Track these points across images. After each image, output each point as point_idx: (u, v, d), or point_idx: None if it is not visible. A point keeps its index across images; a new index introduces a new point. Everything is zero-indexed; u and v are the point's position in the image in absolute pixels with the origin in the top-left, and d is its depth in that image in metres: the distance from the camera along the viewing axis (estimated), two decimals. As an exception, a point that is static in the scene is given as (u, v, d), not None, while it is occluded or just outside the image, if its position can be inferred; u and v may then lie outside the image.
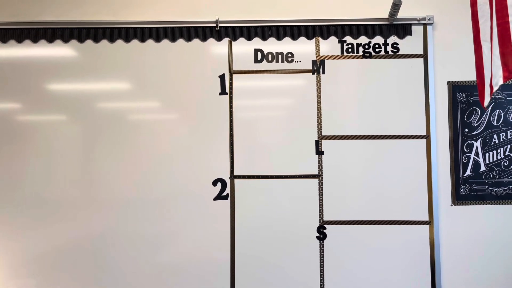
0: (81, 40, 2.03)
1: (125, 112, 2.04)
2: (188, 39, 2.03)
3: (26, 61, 2.04)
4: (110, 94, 2.05)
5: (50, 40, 2.03)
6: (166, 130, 2.03)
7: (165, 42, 2.03)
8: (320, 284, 1.98)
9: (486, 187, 2.00)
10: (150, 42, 2.03)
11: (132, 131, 2.03)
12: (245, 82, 2.03)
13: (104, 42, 2.03)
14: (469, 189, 2.00)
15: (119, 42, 2.03)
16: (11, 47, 2.04)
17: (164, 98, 2.03)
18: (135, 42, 2.03)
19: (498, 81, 1.28)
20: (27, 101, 2.04)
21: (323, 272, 1.98)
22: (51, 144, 2.03)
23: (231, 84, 2.02)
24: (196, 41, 2.04)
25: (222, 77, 2.03)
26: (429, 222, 1.99)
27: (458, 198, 2.01)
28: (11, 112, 2.04)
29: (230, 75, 2.03)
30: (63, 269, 2.00)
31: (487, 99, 1.35)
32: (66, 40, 2.04)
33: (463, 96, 2.02)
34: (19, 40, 2.04)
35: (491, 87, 1.31)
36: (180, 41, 2.03)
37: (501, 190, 2.00)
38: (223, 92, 2.02)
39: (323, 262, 1.99)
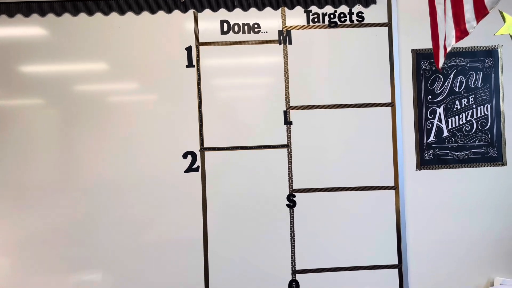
0: (59, 13, 1.99)
1: (93, 91, 2.02)
2: (153, 11, 2.01)
3: (1, 40, 1.99)
4: (86, 74, 2.01)
5: (26, 14, 1.97)
6: (133, 106, 2.02)
7: (130, 15, 2.00)
8: (291, 251, 2.03)
9: (448, 151, 2.07)
10: (114, 15, 2.00)
11: (99, 110, 2.01)
12: (212, 54, 2.02)
13: (66, 15, 1.99)
14: (432, 154, 2.07)
15: (82, 15, 1.99)
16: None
17: (130, 73, 2.02)
18: (98, 15, 2.00)
19: (451, 41, 1.31)
20: (3, 84, 1.99)
21: (294, 238, 2.03)
22: (28, 128, 2.00)
23: (198, 56, 2.02)
24: (161, 13, 2.01)
25: (188, 49, 2.02)
26: (395, 187, 2.05)
27: (422, 163, 2.07)
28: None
29: (197, 47, 2.02)
30: (45, 251, 2.00)
31: (441, 61, 1.39)
32: (43, 14, 1.98)
33: (426, 64, 2.06)
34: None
35: (445, 48, 1.35)
36: (145, 14, 2.01)
37: (463, 154, 2.07)
38: (190, 65, 2.02)
39: (294, 229, 2.04)
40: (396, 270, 2.05)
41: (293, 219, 2.04)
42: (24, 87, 2.01)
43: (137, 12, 2.00)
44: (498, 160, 2.08)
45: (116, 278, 2.01)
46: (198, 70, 2.02)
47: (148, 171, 2.01)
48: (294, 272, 2.03)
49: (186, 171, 2.02)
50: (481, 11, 1.20)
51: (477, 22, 1.22)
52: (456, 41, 1.29)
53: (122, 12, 2.00)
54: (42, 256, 1.99)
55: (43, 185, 2.00)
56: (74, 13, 1.99)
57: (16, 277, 1.99)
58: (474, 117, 2.07)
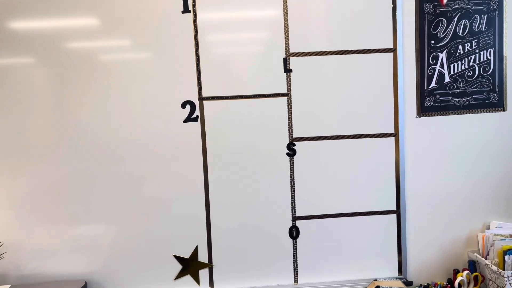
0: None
1: (93, 49, 1.95)
2: (145, -48, 1.91)
3: None
4: (77, 30, 1.93)
5: None
6: (127, 57, 1.96)
7: (121, -43, 1.91)
8: (291, 198, 2.05)
9: (449, 98, 2.05)
10: (104, -43, 1.91)
11: (93, 65, 1.95)
12: (208, -2, 1.95)
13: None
14: (433, 101, 2.05)
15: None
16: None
17: (123, 23, 1.94)
18: (88, -43, 1.90)
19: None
20: None
21: (294, 186, 2.05)
22: (21, 87, 1.95)
23: (194, 1, 1.94)
24: (154, -45, 1.92)
25: (184, -7, 1.94)
26: (395, 134, 2.05)
27: (423, 110, 2.06)
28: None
29: (192, -9, 1.94)
30: (42, 205, 2.00)
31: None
32: None
33: (430, 7, 2.00)
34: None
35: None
36: (137, -44, 1.92)
37: (463, 101, 2.06)
38: (186, 10, 1.94)
39: (294, 177, 2.05)
40: (394, 216, 2.09)
41: (293, 167, 2.05)
42: (14, 45, 1.93)
43: (129, -46, 1.91)
44: (499, 106, 2.07)
45: (117, 231, 2.03)
46: (195, 15, 1.95)
47: (146, 123, 1.99)
48: (294, 218, 2.06)
49: (185, 121, 2.00)
50: None
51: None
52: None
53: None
54: (43, 210, 2.00)
55: (39, 143, 1.98)
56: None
57: (20, 228, 2.00)
58: (477, 62, 2.03)
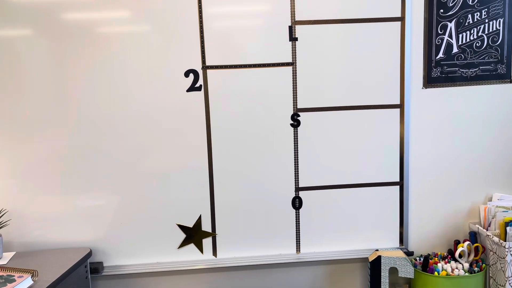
0: None
1: (93, 21, 1.90)
2: None
3: None
4: (75, 1, 1.89)
5: None
6: (135, 29, 1.91)
7: None
8: (295, 169, 2.05)
9: (457, 69, 2.02)
10: None
11: (101, 40, 1.91)
12: (213, -37, 1.89)
13: None
14: (440, 72, 2.02)
15: None
16: None
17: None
18: None
19: None
20: None
21: (297, 157, 2.05)
22: (18, 60, 1.91)
23: (197, -35, 1.89)
24: None
25: (187, -42, 1.88)
26: (400, 106, 2.03)
27: (429, 81, 2.03)
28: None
29: (196, -45, 1.88)
30: (46, 176, 1.99)
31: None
32: None
33: (440, -26, 1.95)
34: None
35: None
36: None
37: (471, 72, 2.03)
38: (189, -25, 1.89)
39: (297, 148, 2.04)
40: (397, 188, 2.09)
41: (297, 138, 2.04)
42: (12, 17, 1.88)
43: None
44: (507, 77, 2.04)
45: (120, 200, 2.03)
46: (198, -19, 1.90)
47: (149, 93, 1.96)
48: (298, 189, 2.07)
49: (188, 90, 1.98)
50: None
51: None
52: None
53: None
54: (46, 178, 1.99)
55: (40, 115, 1.95)
56: None
57: (24, 196, 2.00)
58: (486, 32, 1.99)
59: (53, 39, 1.91)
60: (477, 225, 2.08)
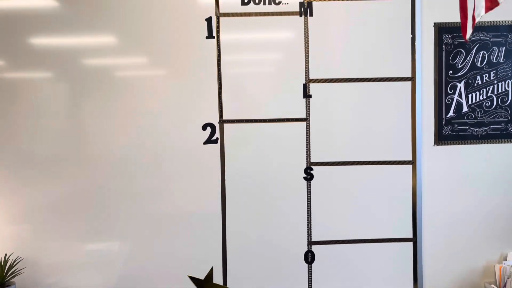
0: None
1: (112, 64, 2.02)
2: (173, -20, 2.00)
3: (12, 13, 1.98)
4: (97, 46, 2.01)
5: None
6: (154, 76, 2.02)
7: (150, -16, 1.99)
8: (308, 222, 2.06)
9: (467, 127, 2.07)
10: (134, -16, 1.99)
11: (119, 84, 2.02)
12: (232, 25, 2.01)
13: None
14: (451, 130, 2.07)
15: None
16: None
17: (151, 45, 2.00)
18: (118, -16, 1.99)
19: (481, 11, 1.30)
20: (14, 57, 2.00)
21: (310, 210, 2.06)
22: (39, 101, 2.01)
23: (218, 27, 2.01)
24: (181, -17, 2.00)
25: (208, 20, 2.00)
26: (412, 162, 2.06)
27: (441, 139, 2.07)
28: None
29: (217, 18, 2.01)
30: (58, 218, 2.04)
31: (469, 32, 1.38)
32: None
33: (449, 38, 2.04)
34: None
35: (473, 18, 1.34)
36: (165, -17, 2.00)
37: (482, 130, 2.07)
38: (210, 36, 2.01)
39: (310, 201, 2.06)
40: (410, 244, 2.08)
41: (310, 191, 2.07)
42: (34, 59, 2.00)
43: (158, -19, 1.99)
44: (517, 136, 2.08)
45: (132, 248, 2.05)
46: (218, 41, 2.01)
47: (165, 142, 2.03)
48: (310, 243, 2.07)
49: (205, 143, 2.05)
50: (514, -20, 1.18)
51: (510, -9, 1.21)
52: (486, 12, 1.28)
53: (142, -18, 1.99)
54: (58, 224, 2.04)
55: (54, 156, 2.03)
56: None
57: (35, 243, 2.04)
58: (495, 93, 2.05)
59: (72, 82, 2.02)
60: (492, 285, 2.04)
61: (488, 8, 1.28)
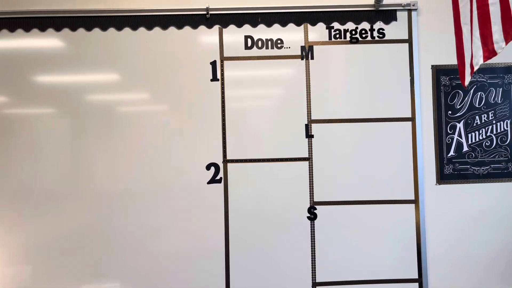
0: (74, 28, 2.05)
1: (116, 102, 2.07)
2: (180, 26, 2.07)
3: (17, 52, 2.05)
4: (102, 84, 2.07)
5: (43, 29, 2.05)
6: (159, 116, 2.07)
7: (157, 30, 2.06)
8: (312, 263, 2.05)
9: (468, 166, 2.09)
10: (142, 30, 2.06)
11: (122, 122, 2.06)
12: (236, 68, 2.07)
13: (96, 30, 2.06)
14: (452, 169, 2.09)
15: (111, 30, 2.06)
16: (3, 37, 2.05)
17: (156, 85, 2.07)
18: (127, 30, 2.06)
19: (479, 60, 1.35)
20: (17, 93, 2.05)
21: (314, 250, 2.06)
22: (40, 136, 2.05)
23: (222, 70, 2.07)
24: (187, 28, 2.07)
25: (213, 63, 2.07)
26: (415, 201, 2.07)
27: (442, 178, 2.09)
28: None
29: (221, 61, 2.07)
30: (59, 257, 2.04)
31: (467, 79, 1.43)
32: (58, 28, 2.05)
33: (446, 80, 2.10)
34: (11, 29, 2.05)
35: (472, 67, 1.39)
36: (172, 29, 2.07)
37: (483, 169, 2.09)
38: (214, 78, 2.07)
39: (314, 241, 2.06)
40: (416, 285, 2.06)
41: (313, 231, 2.06)
42: (37, 96, 2.06)
43: (164, 27, 2.06)
44: (518, 175, 2.10)
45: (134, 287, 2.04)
46: (222, 84, 2.07)
47: (169, 181, 2.05)
48: (315, 284, 2.05)
49: (209, 182, 2.06)
50: (510, 33, 1.23)
51: (506, 43, 1.26)
52: (484, 61, 1.33)
53: (149, 28, 2.06)
54: (55, 263, 2.03)
55: (55, 193, 2.05)
56: (104, 28, 2.06)
57: (36, 285, 2.02)
58: (494, 132, 2.09)
59: (74, 117, 2.06)
60: (501, 327, 2.01)
61: (486, 58, 1.32)
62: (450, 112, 2.09)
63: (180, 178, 2.06)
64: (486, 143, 2.09)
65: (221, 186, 2.07)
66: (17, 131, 2.05)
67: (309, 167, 2.08)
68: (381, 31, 2.10)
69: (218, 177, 2.07)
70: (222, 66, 2.07)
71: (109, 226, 2.04)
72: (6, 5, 2.07)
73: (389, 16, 2.10)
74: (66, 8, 2.06)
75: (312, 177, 2.08)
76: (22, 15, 2.05)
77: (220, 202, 2.06)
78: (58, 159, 2.05)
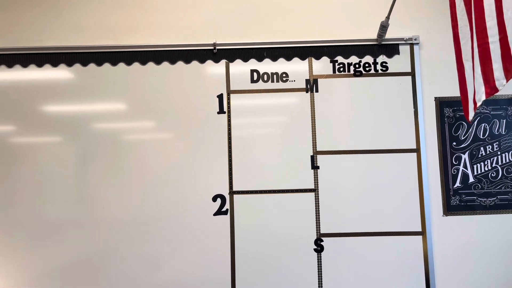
0: (85, 63, 2.12)
1: (125, 133, 2.11)
2: (187, 61, 2.13)
3: (30, 84, 2.12)
4: (111, 116, 2.12)
5: (55, 64, 2.12)
6: (166, 148, 2.10)
7: (165, 64, 2.12)
8: (319, 296, 2.03)
9: (475, 197, 2.09)
10: (150, 64, 2.12)
11: (132, 149, 2.09)
12: (242, 101, 2.12)
13: (107, 65, 2.12)
14: (459, 200, 2.09)
15: (121, 65, 2.12)
16: (16, 71, 2.12)
17: (163, 117, 2.11)
18: (136, 65, 2.12)
19: (481, 97, 1.37)
20: (27, 123, 2.10)
21: (322, 284, 2.03)
22: (46, 165, 2.09)
23: (228, 103, 2.11)
24: (195, 63, 2.13)
25: (220, 96, 2.11)
26: (422, 233, 2.06)
27: (449, 209, 2.09)
28: (9, 134, 2.10)
29: (228, 94, 2.12)
30: (63, 287, 2.03)
31: (471, 114, 1.44)
32: (70, 64, 2.12)
33: (450, 111, 2.12)
34: (24, 64, 2.12)
35: (475, 102, 1.41)
36: (180, 63, 2.13)
37: (489, 201, 2.09)
38: (221, 111, 2.11)
39: (321, 274, 2.04)
40: (425, 318, 2.03)
41: (320, 264, 2.05)
42: (44, 124, 2.10)
43: (172, 62, 2.12)
44: (525, 206, 2.09)
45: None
46: (229, 116, 2.10)
47: (175, 211, 2.06)
48: (322, 318, 2.02)
49: (215, 214, 2.07)
50: (510, 71, 1.26)
51: (507, 80, 1.28)
52: (486, 97, 1.35)
53: (158, 62, 2.12)
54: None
55: (60, 221, 2.06)
56: (114, 63, 2.12)
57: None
58: (500, 163, 2.10)
59: (79, 145, 2.10)
60: None
61: (488, 94, 1.35)
62: (454, 143, 2.11)
63: (186, 209, 2.07)
64: (492, 174, 2.09)
65: (227, 217, 2.07)
66: (21, 158, 2.09)
67: (315, 198, 2.08)
68: (384, 64, 2.14)
69: (224, 209, 2.08)
70: (228, 99, 2.11)
71: (114, 255, 2.04)
72: (18, 41, 2.14)
73: (391, 50, 2.14)
74: (78, 44, 2.13)
75: (319, 208, 2.08)
76: (34, 51, 2.12)
77: (227, 233, 2.06)
78: (63, 187, 2.08)
